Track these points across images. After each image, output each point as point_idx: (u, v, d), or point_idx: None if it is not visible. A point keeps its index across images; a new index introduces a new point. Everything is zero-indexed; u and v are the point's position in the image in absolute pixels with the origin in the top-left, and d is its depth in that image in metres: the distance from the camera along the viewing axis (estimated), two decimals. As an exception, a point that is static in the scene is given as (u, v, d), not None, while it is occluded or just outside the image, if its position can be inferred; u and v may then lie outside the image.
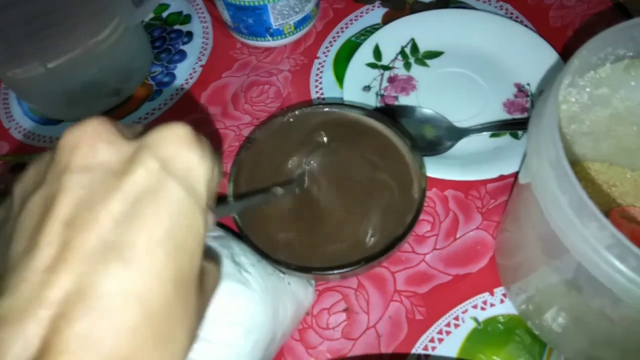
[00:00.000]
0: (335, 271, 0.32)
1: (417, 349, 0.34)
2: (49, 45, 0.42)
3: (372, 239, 0.33)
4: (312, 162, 0.36)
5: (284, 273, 0.33)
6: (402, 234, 0.32)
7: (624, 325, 0.25)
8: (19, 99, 0.52)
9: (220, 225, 0.35)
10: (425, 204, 0.39)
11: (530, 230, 0.30)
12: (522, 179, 0.32)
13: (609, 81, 0.30)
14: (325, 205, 0.35)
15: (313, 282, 0.36)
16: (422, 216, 0.39)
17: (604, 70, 0.29)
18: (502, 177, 0.38)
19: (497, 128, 0.40)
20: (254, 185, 0.36)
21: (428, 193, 0.40)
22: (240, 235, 0.34)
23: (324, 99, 0.46)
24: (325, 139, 0.38)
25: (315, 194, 0.35)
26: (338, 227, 0.34)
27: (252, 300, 0.29)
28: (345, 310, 0.36)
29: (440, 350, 0.33)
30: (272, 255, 0.32)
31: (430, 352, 0.34)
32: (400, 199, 0.35)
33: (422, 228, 0.38)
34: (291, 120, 0.38)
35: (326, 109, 0.39)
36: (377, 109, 0.43)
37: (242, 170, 0.36)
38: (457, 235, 0.38)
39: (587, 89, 0.31)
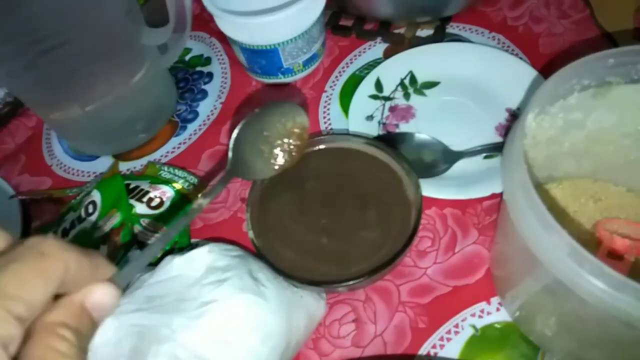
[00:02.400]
0: (343, 284, 0.36)
1: (420, 355, 0.37)
2: (87, 91, 0.48)
3: (376, 254, 0.37)
4: (316, 188, 0.41)
5: (297, 287, 0.37)
6: (401, 249, 0.36)
7: (596, 324, 0.28)
8: (60, 138, 0.58)
9: (240, 245, 0.39)
10: (426, 221, 0.43)
11: (512, 243, 0.34)
12: (504, 196, 0.36)
13: (579, 107, 0.34)
14: (331, 226, 0.39)
15: (324, 295, 0.39)
16: (422, 233, 0.42)
17: (573, 97, 0.33)
18: (494, 195, 0.41)
19: (490, 150, 0.44)
20: (265, 213, 0.40)
21: (428, 212, 0.43)
22: (257, 254, 0.38)
23: (332, 128, 0.50)
24: (332, 166, 0.42)
25: (322, 217, 0.39)
26: (345, 246, 0.38)
27: (268, 310, 0.33)
28: (354, 321, 0.39)
29: (441, 356, 0.37)
30: (286, 272, 0.36)
31: (432, 357, 0.37)
32: (400, 217, 0.39)
33: (424, 244, 0.42)
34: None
35: (332, 139, 0.43)
36: (379, 137, 0.47)
37: (255, 203, 0.41)
38: (456, 250, 0.41)
39: (560, 115, 0.34)
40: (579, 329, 0.30)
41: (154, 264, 0.36)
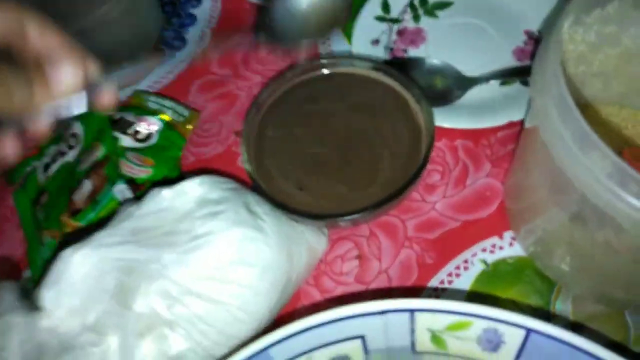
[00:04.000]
0: (346, 217, 0.33)
1: (428, 290, 0.35)
2: (65, 13, 0.43)
3: (382, 187, 0.34)
4: (318, 114, 0.37)
5: (297, 222, 0.34)
6: (409, 181, 0.33)
7: (629, 255, 0.26)
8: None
9: (236, 178, 0.36)
10: (435, 154, 0.40)
11: (537, 172, 0.31)
12: (528, 123, 0.33)
13: (617, 18, 0.30)
14: (335, 155, 0.36)
15: (326, 230, 0.37)
16: (431, 166, 0.39)
17: (611, 6, 0.29)
18: (510, 124, 0.38)
19: (507, 75, 0.40)
20: (262, 144, 0.37)
21: (438, 143, 0.40)
22: (253, 187, 0.35)
23: (332, 54, 0.46)
24: (334, 94, 0.38)
25: (323, 146, 0.36)
26: (348, 176, 0.35)
27: (266, 244, 0.30)
28: (357, 257, 0.37)
29: (449, 292, 0.35)
30: (285, 205, 0.33)
31: (440, 293, 0.35)
32: (408, 148, 0.35)
33: (432, 177, 0.39)
34: (297, 78, 0.39)
35: (333, 64, 0.39)
36: (386, 62, 0.43)
37: (251, 135, 0.37)
38: (467, 183, 0.38)
39: (595, 27, 0.30)
40: (605, 262, 0.28)
41: (139, 197, 0.33)
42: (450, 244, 0.36)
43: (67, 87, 0.21)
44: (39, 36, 0.22)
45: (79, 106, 0.22)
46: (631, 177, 0.21)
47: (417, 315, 0.26)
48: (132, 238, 0.28)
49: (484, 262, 0.35)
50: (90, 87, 0.22)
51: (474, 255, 0.36)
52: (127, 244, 0.27)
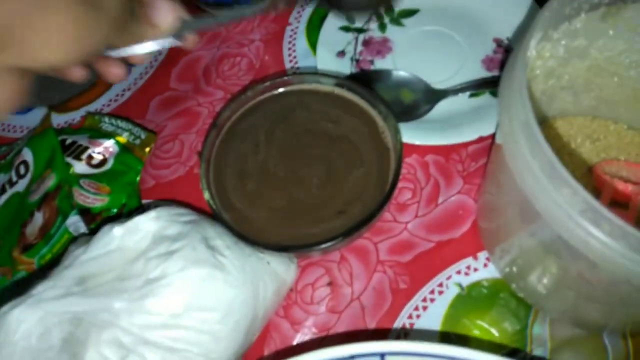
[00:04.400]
0: (315, 247, 0.31)
1: (402, 317, 0.34)
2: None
3: (351, 211, 0.33)
4: (281, 136, 0.36)
5: (262, 253, 0.32)
6: (380, 204, 0.32)
7: (603, 287, 0.24)
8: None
9: (194, 208, 0.34)
10: (405, 171, 0.38)
11: (507, 193, 0.29)
12: (498, 139, 0.31)
13: (585, 32, 0.29)
14: (300, 180, 0.34)
15: (295, 258, 0.35)
16: (402, 184, 0.38)
17: (579, 20, 0.28)
18: (481, 139, 0.37)
19: (476, 87, 0.39)
20: (223, 168, 0.35)
21: (408, 159, 0.39)
22: (214, 217, 0.33)
23: (298, 67, 0.44)
24: (297, 114, 0.37)
25: (288, 169, 0.34)
26: (315, 202, 0.33)
27: (227, 283, 0.29)
28: (329, 284, 0.35)
29: (424, 318, 0.33)
30: (249, 236, 0.32)
31: (415, 319, 0.33)
32: (377, 168, 0.34)
33: (403, 196, 0.38)
34: (260, 96, 0.37)
35: (298, 81, 0.37)
36: (352, 75, 0.41)
37: (211, 158, 0.36)
38: (439, 201, 0.37)
39: (563, 42, 0.29)
40: (581, 289, 0.27)
41: (94, 230, 0.31)
42: (424, 267, 0.35)
43: (167, 26, 0.27)
44: None
45: (169, 42, 0.27)
46: (604, 215, 0.19)
47: (388, 358, 0.25)
48: (77, 288, 0.26)
49: (459, 285, 0.34)
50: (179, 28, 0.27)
51: (449, 278, 0.34)
52: (72, 295, 0.25)
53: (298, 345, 0.33)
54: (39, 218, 0.37)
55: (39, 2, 0.20)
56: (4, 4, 0.20)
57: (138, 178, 0.40)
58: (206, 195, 0.33)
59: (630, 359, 0.31)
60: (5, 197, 0.40)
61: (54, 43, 0.21)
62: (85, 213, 0.37)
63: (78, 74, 0.27)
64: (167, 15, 0.28)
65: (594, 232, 0.20)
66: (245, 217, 0.33)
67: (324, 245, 0.31)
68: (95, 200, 0.38)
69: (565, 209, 0.21)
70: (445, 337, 0.32)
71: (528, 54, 0.25)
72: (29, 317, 0.24)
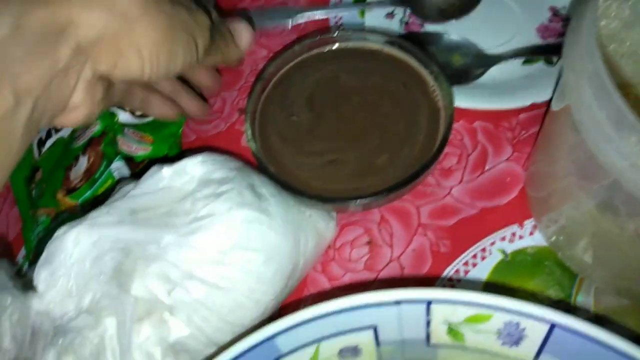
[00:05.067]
0: (357, 201, 0.31)
1: (442, 281, 0.33)
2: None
3: (396, 169, 0.32)
4: (328, 92, 0.35)
5: (305, 205, 0.32)
6: (425, 164, 0.31)
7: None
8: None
9: (240, 158, 0.34)
10: (452, 136, 0.37)
11: (564, 156, 0.28)
12: (555, 105, 0.30)
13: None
14: (346, 135, 0.34)
15: (334, 214, 0.35)
16: (448, 149, 0.37)
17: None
18: (534, 106, 0.36)
19: (530, 53, 0.38)
20: (268, 123, 0.35)
21: (455, 125, 0.38)
22: (259, 168, 0.33)
23: (343, 27, 0.43)
24: (344, 70, 0.36)
25: (334, 124, 0.34)
26: (360, 158, 0.33)
27: (272, 228, 0.29)
28: (368, 243, 0.35)
29: (465, 283, 0.33)
30: (292, 186, 0.31)
31: (455, 283, 0.33)
32: (426, 129, 0.33)
33: (449, 161, 0.37)
34: (306, 53, 0.37)
35: (345, 38, 0.37)
36: (400, 37, 0.40)
37: (256, 112, 0.35)
38: (486, 168, 0.36)
39: (629, 3, 0.28)
40: (632, 253, 0.26)
41: (137, 175, 0.31)
42: (466, 232, 0.34)
43: (246, 46, 0.34)
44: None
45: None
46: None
47: (434, 306, 0.24)
48: (129, 218, 0.26)
49: (503, 251, 0.33)
50: None
51: (492, 244, 0.34)
52: (124, 224, 0.26)
53: (338, 288, 0.33)
54: (83, 162, 0.38)
55: (140, 18, 0.22)
56: (108, 14, 0.22)
57: (180, 130, 0.40)
58: (251, 145, 0.33)
59: (679, 334, 0.30)
60: (50, 141, 0.41)
61: (147, 58, 0.23)
62: (129, 161, 0.38)
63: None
64: (247, 37, 0.34)
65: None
66: (290, 170, 0.33)
67: (365, 200, 0.31)
68: (138, 149, 0.39)
69: (630, 158, 0.20)
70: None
71: (597, 7, 0.24)
72: (85, 239, 0.24)
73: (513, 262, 0.33)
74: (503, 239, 0.34)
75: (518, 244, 0.33)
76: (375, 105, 0.34)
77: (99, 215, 0.26)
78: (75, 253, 0.24)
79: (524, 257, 0.33)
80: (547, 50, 0.38)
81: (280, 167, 0.33)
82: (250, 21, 0.36)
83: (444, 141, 0.32)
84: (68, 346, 0.28)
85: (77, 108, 0.24)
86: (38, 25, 0.21)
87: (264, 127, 0.35)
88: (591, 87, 0.22)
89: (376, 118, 0.34)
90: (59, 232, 0.24)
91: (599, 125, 0.22)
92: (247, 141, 0.34)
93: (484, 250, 0.34)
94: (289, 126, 0.35)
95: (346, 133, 0.34)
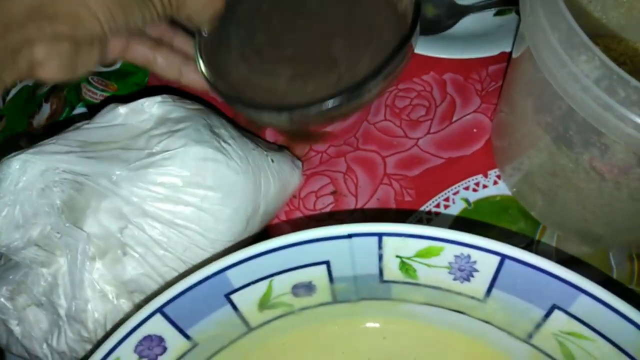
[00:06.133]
0: (321, 104, 0.28)
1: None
2: None
3: (360, 68, 0.30)
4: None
5: (266, 151, 0.32)
6: (394, 53, 0.28)
7: (613, 178, 0.23)
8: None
9: (199, 100, 0.33)
10: (421, 87, 0.37)
11: (523, 97, 0.28)
12: (515, 51, 0.30)
13: None
14: (304, 41, 0.32)
15: (299, 163, 0.35)
16: (416, 100, 0.37)
17: None
18: (503, 57, 0.35)
19: (502, 4, 0.37)
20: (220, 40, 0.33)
21: (425, 77, 0.37)
22: (210, 86, 0.31)
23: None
24: None
25: (291, 30, 0.32)
26: (321, 64, 0.31)
27: (230, 168, 0.28)
28: (333, 193, 0.35)
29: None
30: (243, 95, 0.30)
31: (418, 232, 0.33)
32: (391, 17, 0.31)
33: (417, 112, 0.36)
34: None
35: None
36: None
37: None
38: (453, 119, 0.36)
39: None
40: (589, 192, 0.26)
41: (91, 115, 0.30)
42: (431, 182, 0.34)
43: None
44: None
45: None
46: (620, 80, 0.18)
47: (386, 239, 0.24)
48: (80, 149, 0.26)
49: (466, 200, 0.33)
50: None
51: (456, 193, 0.34)
52: (74, 154, 0.25)
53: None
54: (46, 109, 0.37)
55: None
56: None
57: (146, 79, 0.40)
58: (199, 65, 0.31)
59: (635, 280, 0.30)
60: (16, 89, 0.40)
61: (101, 17, 0.25)
62: (91, 109, 0.37)
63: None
64: None
65: (609, 101, 0.19)
66: (246, 85, 0.31)
67: (331, 101, 0.28)
68: (102, 97, 0.38)
69: (581, 80, 0.20)
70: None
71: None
72: (31, 167, 0.24)
73: (476, 210, 0.33)
74: (467, 188, 0.34)
75: (482, 193, 0.33)
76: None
77: (47, 143, 0.25)
78: (22, 181, 0.24)
79: (487, 205, 0.33)
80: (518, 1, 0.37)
81: (234, 84, 0.31)
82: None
83: (414, 27, 0.29)
84: (20, 283, 0.27)
85: (45, 64, 0.25)
86: None
87: (214, 47, 0.32)
88: (544, 9, 0.22)
89: (336, 9, 0.32)
90: (4, 160, 0.24)
91: (552, 49, 0.21)
92: (195, 61, 0.31)
93: (447, 199, 0.33)
94: (242, 41, 0.32)
95: (306, 37, 0.32)
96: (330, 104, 0.28)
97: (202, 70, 0.31)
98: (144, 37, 0.31)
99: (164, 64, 0.31)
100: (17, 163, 0.24)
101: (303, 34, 0.32)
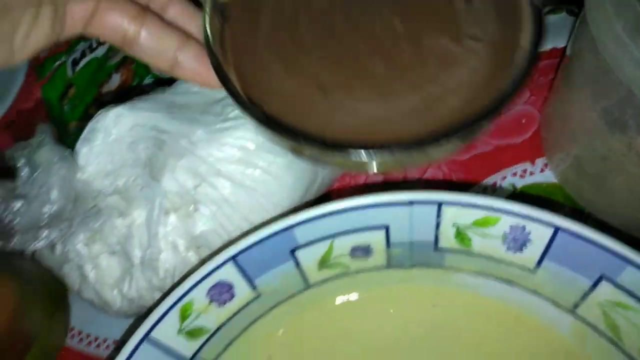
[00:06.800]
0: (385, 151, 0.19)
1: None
2: None
3: (449, 100, 0.21)
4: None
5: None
6: (503, 96, 0.19)
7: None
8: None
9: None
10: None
11: (580, 86, 0.29)
12: (570, 49, 0.31)
13: None
14: (366, 41, 0.22)
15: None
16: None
17: None
18: (553, 53, 0.37)
19: (554, 3, 0.39)
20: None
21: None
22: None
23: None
24: None
25: (346, 23, 0.23)
26: (388, 74, 0.22)
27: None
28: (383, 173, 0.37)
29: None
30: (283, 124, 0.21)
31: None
32: (499, 37, 0.22)
33: (466, 102, 0.38)
34: None
35: None
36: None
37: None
38: (502, 110, 0.37)
39: None
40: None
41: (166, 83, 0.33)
42: (479, 166, 0.36)
43: None
44: None
45: None
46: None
47: (445, 208, 0.25)
48: (166, 109, 0.28)
49: (513, 185, 0.35)
50: None
51: (504, 178, 0.35)
52: (162, 113, 0.27)
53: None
54: (116, 79, 0.40)
55: None
56: None
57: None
58: (213, 57, 0.21)
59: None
60: (85, 61, 0.43)
61: None
62: (160, 82, 0.40)
63: None
64: None
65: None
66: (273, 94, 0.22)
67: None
68: (170, 72, 0.40)
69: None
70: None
71: None
72: (123, 121, 0.26)
73: (522, 196, 0.34)
74: (514, 174, 0.35)
75: (528, 180, 0.35)
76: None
77: (139, 101, 0.27)
78: (114, 133, 0.26)
79: (533, 191, 0.34)
80: (570, 2, 0.39)
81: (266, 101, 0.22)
82: None
83: (532, 61, 0.20)
84: (97, 232, 0.30)
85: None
86: None
87: (243, 32, 0.23)
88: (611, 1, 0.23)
89: (422, 17, 0.22)
90: (101, 112, 0.26)
91: (617, 37, 0.23)
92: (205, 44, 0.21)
93: (494, 184, 0.35)
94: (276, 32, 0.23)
95: (367, 37, 0.22)
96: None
97: (217, 65, 0.21)
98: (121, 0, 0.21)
99: (149, 44, 0.21)
100: (112, 116, 0.26)
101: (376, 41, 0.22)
